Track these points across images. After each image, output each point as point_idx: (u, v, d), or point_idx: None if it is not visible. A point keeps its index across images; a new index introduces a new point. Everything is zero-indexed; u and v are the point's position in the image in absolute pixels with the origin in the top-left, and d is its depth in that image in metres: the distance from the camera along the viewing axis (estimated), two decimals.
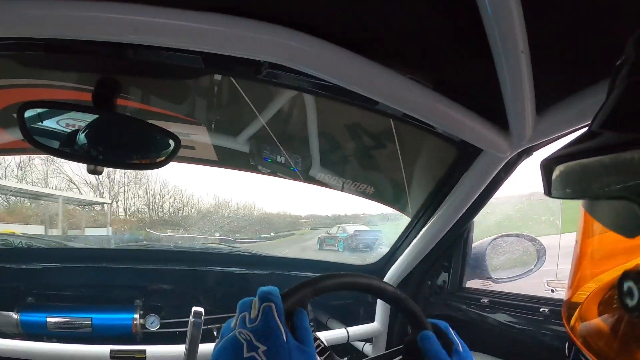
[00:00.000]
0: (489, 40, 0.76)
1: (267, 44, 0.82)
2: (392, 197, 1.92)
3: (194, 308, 1.43)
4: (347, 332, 1.94)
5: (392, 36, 0.90)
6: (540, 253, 1.73)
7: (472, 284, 1.81)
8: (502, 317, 1.54)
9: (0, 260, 1.91)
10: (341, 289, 1.11)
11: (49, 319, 1.89)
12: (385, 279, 1.93)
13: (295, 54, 0.85)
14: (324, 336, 1.92)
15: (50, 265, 1.94)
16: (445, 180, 1.54)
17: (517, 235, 1.80)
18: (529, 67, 0.83)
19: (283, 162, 1.72)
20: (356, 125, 1.60)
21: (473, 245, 1.78)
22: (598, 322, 0.59)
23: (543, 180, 0.57)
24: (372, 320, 2.02)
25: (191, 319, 1.47)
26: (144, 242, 2.38)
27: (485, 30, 0.74)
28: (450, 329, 1.22)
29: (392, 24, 0.85)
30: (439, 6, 0.76)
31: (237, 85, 1.24)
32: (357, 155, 1.79)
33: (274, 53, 0.84)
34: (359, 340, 1.98)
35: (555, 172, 0.53)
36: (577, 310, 0.62)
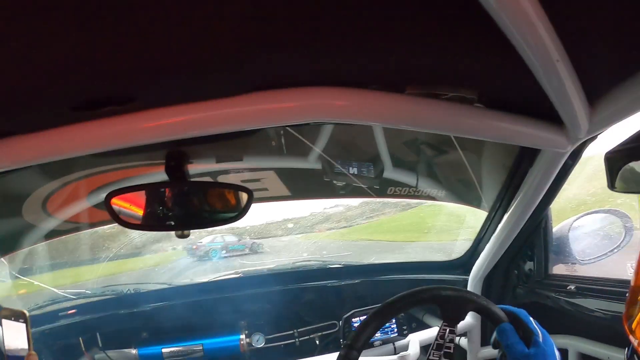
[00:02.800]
0: (511, 40, 0.70)
1: (304, 108, 0.89)
2: (465, 195, 1.97)
3: None
4: None
5: (416, 67, 0.92)
6: (629, 229, 1.66)
7: (559, 269, 1.78)
8: (592, 304, 1.52)
9: (113, 308, 2.17)
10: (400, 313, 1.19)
11: (164, 350, 2.11)
12: (472, 272, 1.97)
13: (332, 110, 0.91)
14: (419, 336, 1.98)
15: (158, 305, 2.17)
16: (515, 173, 1.55)
17: (608, 212, 1.75)
18: (565, 61, 0.78)
19: (355, 173, 1.80)
20: (420, 139, 1.67)
21: (554, 229, 1.76)
22: None
23: (607, 173, 0.54)
24: None
25: None
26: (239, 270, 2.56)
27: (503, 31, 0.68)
28: (530, 319, 1.23)
29: (413, 57, 0.86)
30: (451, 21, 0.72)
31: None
32: (425, 164, 1.87)
33: (314, 114, 0.90)
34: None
35: (622, 166, 0.49)
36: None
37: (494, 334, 1.24)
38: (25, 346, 1.22)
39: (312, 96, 0.89)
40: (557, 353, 1.19)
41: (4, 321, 1.22)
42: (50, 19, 0.58)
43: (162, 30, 0.64)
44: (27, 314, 1.25)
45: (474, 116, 1.03)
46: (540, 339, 1.19)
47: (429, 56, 0.86)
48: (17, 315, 1.23)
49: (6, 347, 1.20)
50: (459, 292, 1.25)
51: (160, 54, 0.72)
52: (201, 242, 5.29)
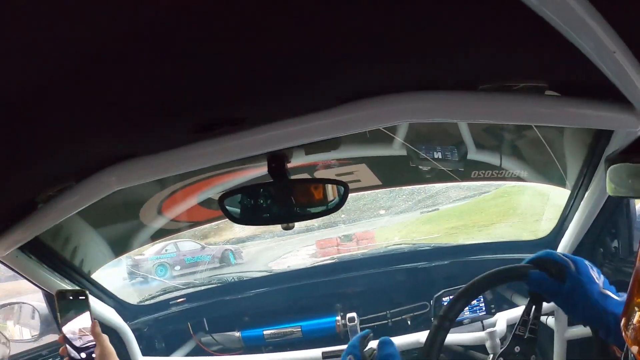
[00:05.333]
0: (566, 37, 0.72)
1: (391, 113, 1.01)
2: (548, 174, 2.00)
3: None
4: None
5: (486, 65, 0.98)
6: None
7: None
8: None
9: (218, 295, 2.39)
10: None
11: (265, 332, 2.30)
12: (557, 250, 1.95)
13: (417, 112, 1.01)
14: (506, 315, 2.04)
15: (259, 291, 2.36)
16: (594, 150, 1.55)
17: None
18: (624, 50, 0.79)
19: (440, 157, 1.89)
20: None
21: (639, 206, 1.74)
22: None
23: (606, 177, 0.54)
24: None
25: None
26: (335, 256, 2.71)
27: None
28: (555, 252, 1.20)
29: (482, 56, 0.93)
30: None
31: None
32: (508, 145, 1.93)
33: (400, 117, 1.02)
34: (543, 315, 2.03)
35: (611, 170, 0.49)
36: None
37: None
38: (86, 322, 1.39)
39: (396, 102, 0.99)
40: (594, 272, 1.17)
41: (59, 301, 1.38)
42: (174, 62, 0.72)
43: (264, 59, 0.76)
44: (87, 291, 1.43)
45: (546, 104, 1.07)
46: (573, 268, 1.15)
47: (497, 53, 0.92)
48: (76, 294, 1.40)
49: (61, 324, 1.37)
50: None
51: (264, 79, 0.85)
52: (143, 256, 4.26)
